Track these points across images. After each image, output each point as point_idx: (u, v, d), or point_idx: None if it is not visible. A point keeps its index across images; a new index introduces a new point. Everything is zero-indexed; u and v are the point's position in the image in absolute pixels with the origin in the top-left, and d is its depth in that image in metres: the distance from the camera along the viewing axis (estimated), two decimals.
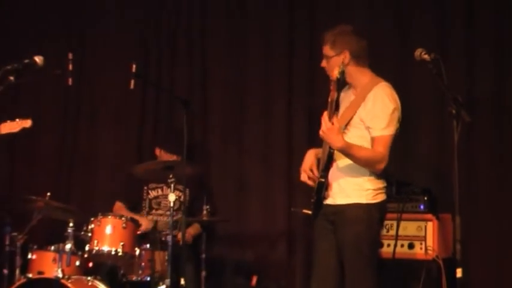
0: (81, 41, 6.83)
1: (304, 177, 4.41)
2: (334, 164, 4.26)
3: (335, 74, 4.02)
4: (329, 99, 4.08)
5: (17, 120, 5.01)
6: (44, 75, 4.84)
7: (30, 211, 5.45)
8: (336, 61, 4.25)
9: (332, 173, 4.27)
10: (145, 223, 5.57)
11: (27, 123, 4.98)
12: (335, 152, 4.14)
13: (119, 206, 5.85)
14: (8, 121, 4.97)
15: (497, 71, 5.46)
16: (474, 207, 5.27)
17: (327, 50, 4.33)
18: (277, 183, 6.12)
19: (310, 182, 4.37)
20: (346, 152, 4.10)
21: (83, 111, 6.83)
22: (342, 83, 4.07)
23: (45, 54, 4.50)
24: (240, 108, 6.34)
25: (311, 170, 4.38)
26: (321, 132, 4.04)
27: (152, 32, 6.68)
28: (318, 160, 4.38)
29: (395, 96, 4.27)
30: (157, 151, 5.99)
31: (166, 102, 6.54)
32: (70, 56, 5.31)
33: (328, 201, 4.33)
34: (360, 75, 4.32)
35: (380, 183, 4.30)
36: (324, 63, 4.36)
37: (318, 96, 4.67)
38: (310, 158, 4.44)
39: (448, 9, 5.65)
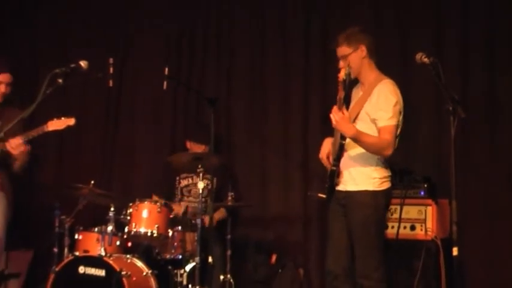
0: (120, 46, 6.85)
1: (325, 162, 4.39)
2: (346, 154, 4.26)
3: (341, 75, 4.02)
4: (337, 98, 4.08)
5: (63, 118, 5.02)
6: (88, 78, 4.87)
7: (77, 197, 5.51)
8: (354, 57, 4.23)
9: (343, 162, 4.28)
10: (177, 209, 5.59)
11: (71, 121, 4.98)
12: (346, 143, 4.14)
13: (155, 198, 5.85)
14: (55, 119, 4.98)
15: (491, 71, 5.43)
16: (469, 192, 5.25)
17: (344, 49, 4.28)
18: (295, 172, 6.12)
19: (329, 167, 4.34)
20: (358, 139, 4.10)
21: (122, 109, 6.84)
22: (348, 83, 4.06)
23: (89, 58, 4.54)
24: (261, 105, 6.33)
25: (327, 157, 4.39)
26: (333, 123, 4.03)
27: (183, 38, 6.69)
28: None
29: (398, 91, 4.27)
30: (188, 143, 5.99)
31: (196, 100, 6.54)
32: (111, 60, 5.31)
33: (340, 187, 4.34)
34: (369, 71, 4.32)
35: (386, 173, 4.30)
36: (341, 64, 4.29)
37: (332, 94, 4.65)
38: (327, 146, 4.43)
39: (447, 10, 5.62)
